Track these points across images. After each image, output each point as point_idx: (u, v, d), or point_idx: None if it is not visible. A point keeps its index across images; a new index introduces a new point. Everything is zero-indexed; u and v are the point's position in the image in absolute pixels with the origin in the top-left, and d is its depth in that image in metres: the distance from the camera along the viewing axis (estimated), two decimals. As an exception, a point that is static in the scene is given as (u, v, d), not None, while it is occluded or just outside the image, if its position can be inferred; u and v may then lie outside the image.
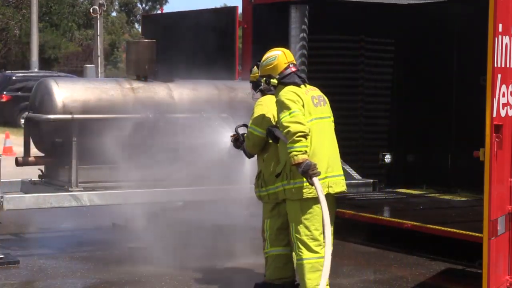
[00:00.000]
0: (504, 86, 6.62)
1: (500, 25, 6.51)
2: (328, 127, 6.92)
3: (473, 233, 8.30)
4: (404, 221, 9.37)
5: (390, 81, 12.08)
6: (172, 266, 8.39)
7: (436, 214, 10.14)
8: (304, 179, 6.59)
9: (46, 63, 43.52)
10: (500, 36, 6.52)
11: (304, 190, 6.70)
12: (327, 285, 6.72)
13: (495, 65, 6.48)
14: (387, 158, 12.00)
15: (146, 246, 8.91)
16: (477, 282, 6.78)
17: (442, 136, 11.90)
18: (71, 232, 10.38)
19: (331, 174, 6.80)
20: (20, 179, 9.78)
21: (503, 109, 6.63)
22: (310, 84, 7.05)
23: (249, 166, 8.00)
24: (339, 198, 7.13)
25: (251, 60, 10.78)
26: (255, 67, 7.54)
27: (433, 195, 11.65)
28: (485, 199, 6.52)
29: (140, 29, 25.71)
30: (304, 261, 6.74)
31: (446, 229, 8.92)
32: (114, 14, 59.74)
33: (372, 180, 10.14)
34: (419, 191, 11.84)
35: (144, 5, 68.36)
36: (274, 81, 6.93)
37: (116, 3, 61.50)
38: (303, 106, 6.72)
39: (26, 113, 9.70)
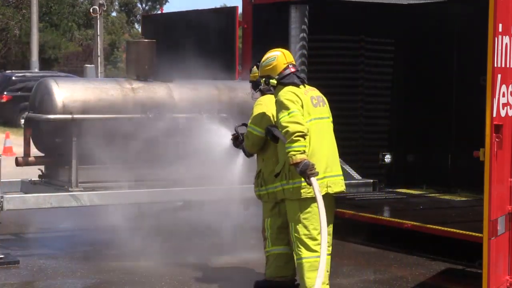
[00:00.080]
0: (504, 86, 6.62)
1: (500, 25, 6.51)
2: (327, 128, 6.93)
3: (473, 233, 8.29)
4: (404, 221, 9.36)
5: (390, 81, 12.06)
6: (172, 266, 8.39)
7: (436, 214, 10.13)
8: (303, 179, 6.60)
9: (46, 63, 43.48)
10: (500, 36, 6.52)
11: (302, 190, 6.70)
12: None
13: (495, 65, 6.48)
14: (387, 158, 11.99)
15: (146, 246, 8.90)
16: (477, 282, 6.78)
17: (442, 136, 11.89)
18: (71, 232, 10.36)
19: (329, 174, 6.80)
20: (20, 179, 9.78)
21: (503, 109, 6.63)
22: (310, 84, 7.07)
23: (246, 165, 8.00)
24: (339, 198, 7.13)
25: (251, 60, 10.78)
26: (255, 67, 7.56)
27: (433, 195, 11.63)
28: (485, 199, 6.51)
29: (140, 29, 25.71)
30: (303, 260, 6.76)
31: (446, 229, 8.91)
32: (114, 14, 59.76)
33: (372, 180, 10.12)
34: (419, 191, 11.82)
35: (144, 5, 68.36)
36: (273, 81, 6.95)
37: (116, 3, 61.46)
38: (302, 106, 6.73)
39: (26, 113, 9.70)
